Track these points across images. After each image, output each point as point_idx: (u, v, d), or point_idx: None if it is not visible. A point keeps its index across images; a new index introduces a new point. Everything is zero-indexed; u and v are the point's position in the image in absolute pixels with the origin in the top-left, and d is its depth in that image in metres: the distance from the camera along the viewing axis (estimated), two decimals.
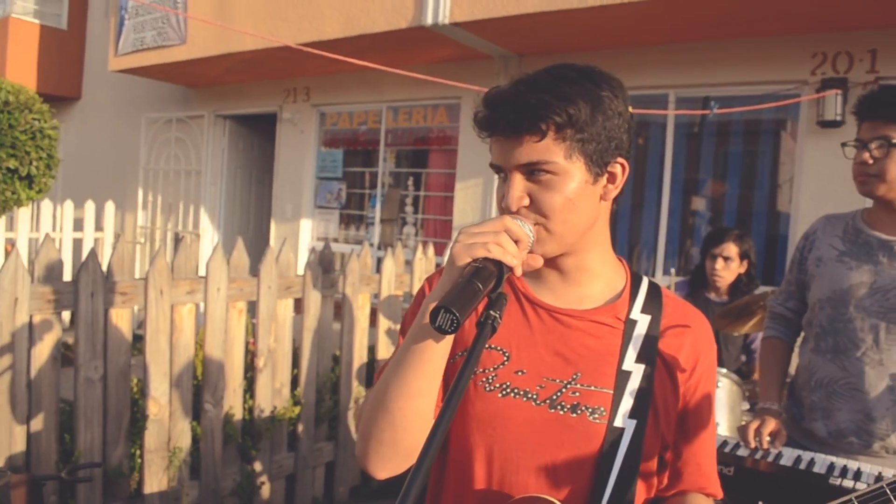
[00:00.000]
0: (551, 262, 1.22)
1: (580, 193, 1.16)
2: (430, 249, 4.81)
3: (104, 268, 3.03)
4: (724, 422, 3.03)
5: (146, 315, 3.17)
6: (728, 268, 3.75)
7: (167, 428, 3.31)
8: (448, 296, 0.95)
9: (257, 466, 3.75)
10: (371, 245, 7.35)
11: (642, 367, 1.21)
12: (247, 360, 3.88)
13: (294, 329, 3.99)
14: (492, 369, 1.21)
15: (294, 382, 4.02)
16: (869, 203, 2.22)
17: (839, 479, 2.01)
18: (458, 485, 1.23)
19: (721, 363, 3.60)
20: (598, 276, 1.27)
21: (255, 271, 3.69)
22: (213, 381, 3.50)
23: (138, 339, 3.85)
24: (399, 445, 1.12)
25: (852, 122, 4.92)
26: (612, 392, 1.19)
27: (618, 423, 1.17)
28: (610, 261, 1.30)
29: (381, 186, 7.53)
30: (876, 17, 4.65)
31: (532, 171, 1.14)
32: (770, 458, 2.19)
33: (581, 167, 1.16)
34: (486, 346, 1.18)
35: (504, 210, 1.15)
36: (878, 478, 2.06)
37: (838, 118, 4.85)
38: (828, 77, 4.99)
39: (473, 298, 0.96)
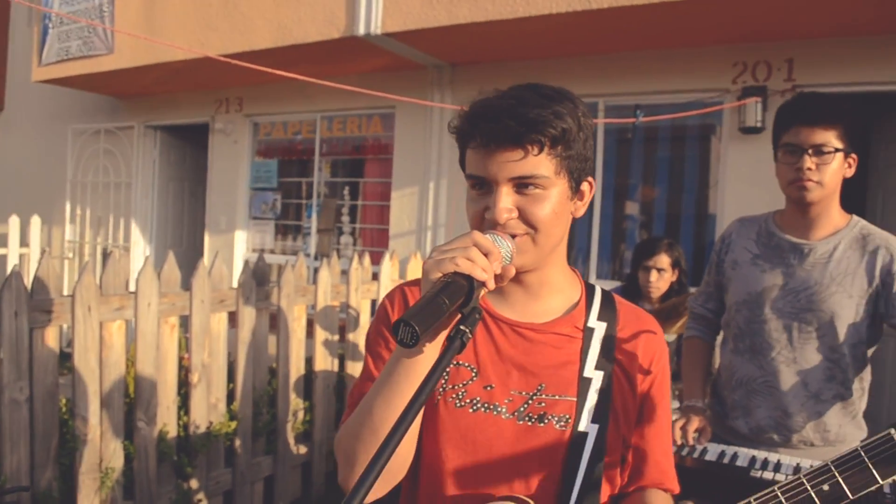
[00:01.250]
0: (515, 278, 1.23)
1: (563, 208, 1.22)
2: (367, 259, 4.82)
3: (29, 285, 2.95)
4: None
5: (73, 333, 3.10)
6: (662, 278, 3.84)
7: (98, 448, 3.23)
8: (411, 310, 0.96)
9: (194, 484, 3.69)
10: (308, 255, 7.29)
11: (601, 373, 1.27)
12: (181, 376, 3.82)
13: (229, 343, 3.94)
14: (461, 385, 1.25)
15: (230, 397, 3.98)
16: (781, 205, 2.33)
17: (760, 472, 2.10)
18: (431, 498, 1.26)
19: None
20: (558, 290, 1.32)
21: (187, 285, 3.64)
22: (146, 398, 3.44)
23: (67, 358, 3.75)
24: (389, 466, 1.13)
25: (772, 128, 5.09)
26: (575, 399, 1.24)
27: (582, 427, 1.23)
28: (567, 273, 1.35)
29: (316, 196, 7.48)
30: (792, 29, 4.84)
31: (524, 184, 1.16)
32: (696, 455, 2.27)
33: (564, 183, 1.21)
34: (456, 362, 1.25)
35: (488, 222, 1.17)
36: (797, 469, 2.15)
37: (758, 125, 5.04)
38: (748, 85, 5.17)
39: (437, 312, 0.96)
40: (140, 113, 8.68)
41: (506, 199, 1.16)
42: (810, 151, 2.10)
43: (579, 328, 1.30)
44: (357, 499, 0.81)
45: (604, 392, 1.25)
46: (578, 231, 6.11)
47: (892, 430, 0.98)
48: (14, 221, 7.07)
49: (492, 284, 1.06)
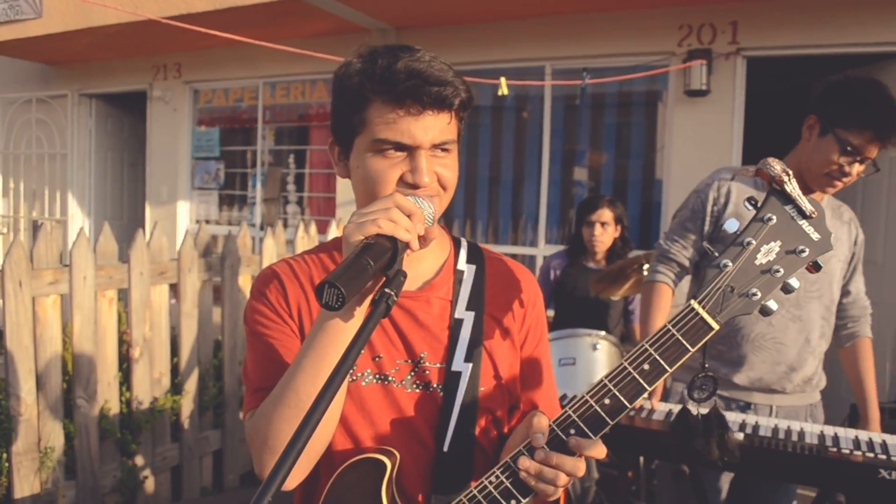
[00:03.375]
0: None
1: (457, 170, 1.24)
2: (312, 227, 4.72)
3: None
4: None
5: (5, 309, 2.97)
6: (605, 232, 3.88)
7: (36, 428, 3.12)
8: (335, 272, 0.93)
9: (139, 461, 3.61)
10: (253, 226, 7.15)
11: (472, 313, 1.28)
12: (122, 351, 3.70)
13: (172, 316, 3.83)
14: None
15: (175, 371, 3.87)
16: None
17: None
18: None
19: (604, 327, 3.71)
20: (431, 251, 1.31)
21: (125, 257, 3.51)
22: (85, 374, 3.32)
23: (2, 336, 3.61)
24: (313, 444, 1.10)
25: (717, 91, 5.14)
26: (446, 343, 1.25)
27: (455, 367, 1.23)
28: (440, 233, 1.35)
29: (261, 165, 7.32)
30: None
31: (441, 148, 1.16)
32: (643, 415, 2.28)
33: (457, 147, 1.22)
34: None
35: (408, 187, 1.14)
36: (742, 425, 2.19)
37: (704, 87, 5.07)
38: (693, 48, 5.18)
39: (362, 273, 0.94)
40: (74, 81, 8.34)
41: (429, 163, 1.15)
42: (861, 161, 2.15)
43: (449, 277, 1.31)
44: (282, 473, 0.79)
45: (476, 332, 1.26)
46: (527, 197, 6.10)
47: (693, 301, 1.07)
48: None
49: (416, 245, 1.05)
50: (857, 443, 2.07)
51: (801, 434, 2.13)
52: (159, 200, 7.79)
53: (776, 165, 1.07)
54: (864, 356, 2.46)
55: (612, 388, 1.08)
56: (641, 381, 1.07)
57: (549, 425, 1.08)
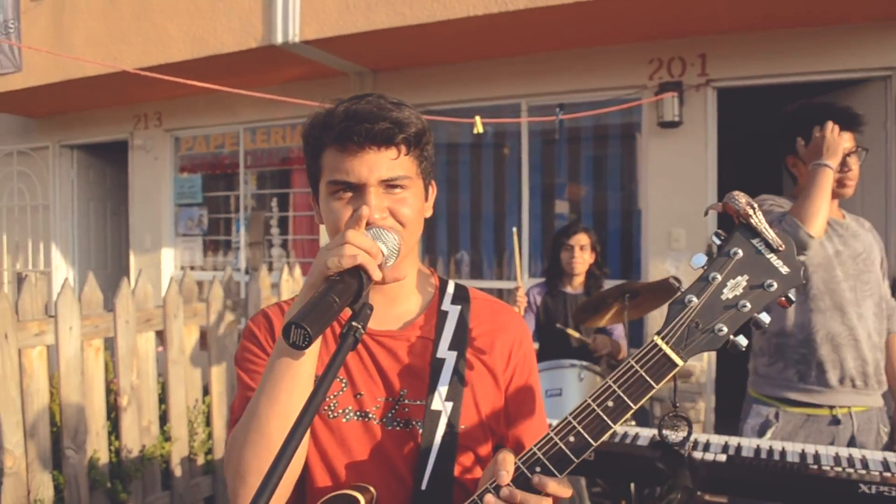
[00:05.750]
0: (380, 285, 1.25)
1: (421, 208, 1.27)
2: (297, 270, 4.76)
3: None
4: None
5: None
6: (583, 255, 4.00)
7: (25, 480, 3.10)
8: (301, 311, 0.95)
9: None
10: (238, 270, 7.17)
11: (454, 353, 1.29)
12: (110, 400, 3.69)
13: (159, 363, 3.84)
14: (333, 396, 1.26)
15: (163, 418, 3.87)
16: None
17: (694, 453, 2.17)
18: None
19: (587, 355, 3.76)
20: (414, 291, 1.35)
21: (110, 306, 3.53)
22: (73, 425, 3.32)
23: None
24: (286, 478, 1.11)
25: (689, 122, 5.25)
26: (427, 382, 1.26)
27: (435, 406, 1.24)
28: (423, 274, 1.39)
29: (244, 210, 7.36)
30: (703, 25, 5.01)
31: (393, 185, 1.19)
32: (628, 441, 2.32)
33: (420, 184, 1.26)
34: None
35: (356, 223, 1.15)
36: (725, 447, 2.23)
37: (676, 119, 5.18)
38: (664, 81, 5.32)
39: (328, 312, 0.95)
40: (54, 132, 8.39)
41: (379, 199, 1.18)
42: (851, 154, 2.47)
43: (433, 318, 1.33)
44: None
45: (458, 371, 1.27)
46: (508, 232, 6.18)
47: (656, 337, 1.07)
48: None
49: (377, 274, 1.06)
50: (837, 459, 2.12)
51: (783, 453, 2.17)
52: (143, 248, 7.80)
53: (741, 199, 1.07)
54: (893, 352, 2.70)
55: (576, 425, 1.07)
56: (606, 418, 1.07)
57: (515, 462, 1.09)
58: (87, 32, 6.46)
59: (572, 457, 1.07)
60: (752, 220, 1.05)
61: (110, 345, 3.63)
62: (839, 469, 2.04)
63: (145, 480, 3.67)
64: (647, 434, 2.37)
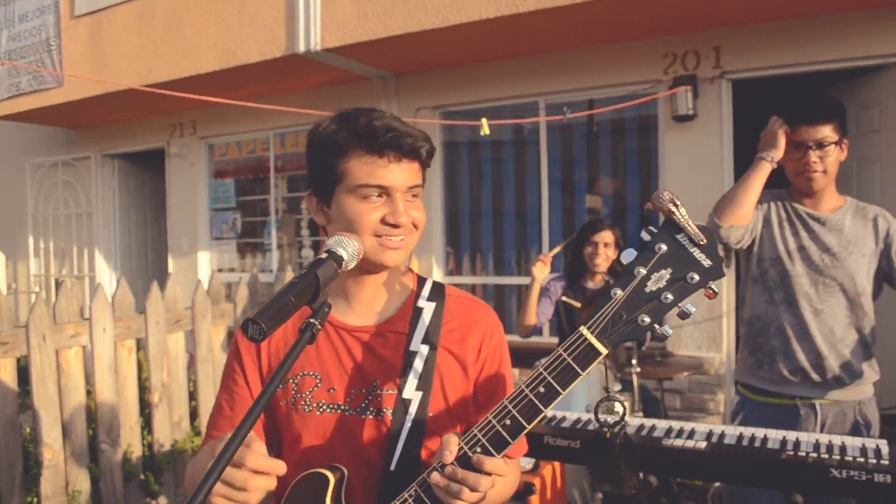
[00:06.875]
0: (362, 280, 1.42)
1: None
2: None
3: None
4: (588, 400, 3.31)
5: (30, 362, 3.19)
6: (606, 252, 4.05)
7: (64, 472, 3.33)
8: (260, 310, 1.06)
9: (162, 501, 3.79)
10: (270, 271, 7.40)
11: (427, 346, 1.40)
12: (142, 397, 3.91)
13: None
14: (308, 392, 1.40)
15: (193, 414, 4.08)
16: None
17: (671, 440, 2.26)
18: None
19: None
20: (392, 290, 1.48)
21: (142, 308, 3.74)
22: (108, 420, 3.53)
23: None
24: None
25: (704, 114, 5.26)
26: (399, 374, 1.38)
27: (406, 395, 1.37)
28: (402, 274, 1.51)
29: (275, 213, 7.59)
30: (717, 17, 5.04)
31: (412, 193, 1.36)
32: (616, 429, 2.42)
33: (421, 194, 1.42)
34: (302, 373, 1.40)
35: (387, 225, 1.32)
36: (709, 434, 2.32)
37: (690, 112, 5.23)
38: (679, 75, 5.36)
39: (283, 310, 1.06)
40: (96, 143, 8.74)
41: (406, 206, 1.34)
42: (813, 146, 2.46)
43: (408, 314, 1.44)
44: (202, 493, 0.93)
45: (428, 363, 1.39)
46: (529, 229, 6.28)
47: (582, 328, 1.16)
48: None
49: (353, 263, 1.25)
50: (816, 446, 2.18)
51: (764, 440, 2.25)
52: (181, 252, 8.08)
53: (665, 196, 1.14)
54: None
55: (511, 409, 1.18)
56: (538, 402, 1.17)
57: (459, 444, 1.19)
58: (123, 47, 6.74)
59: (508, 438, 1.18)
60: (675, 217, 1.13)
61: (143, 344, 3.85)
62: (814, 454, 2.11)
63: (176, 472, 3.88)
64: (634, 423, 2.47)
